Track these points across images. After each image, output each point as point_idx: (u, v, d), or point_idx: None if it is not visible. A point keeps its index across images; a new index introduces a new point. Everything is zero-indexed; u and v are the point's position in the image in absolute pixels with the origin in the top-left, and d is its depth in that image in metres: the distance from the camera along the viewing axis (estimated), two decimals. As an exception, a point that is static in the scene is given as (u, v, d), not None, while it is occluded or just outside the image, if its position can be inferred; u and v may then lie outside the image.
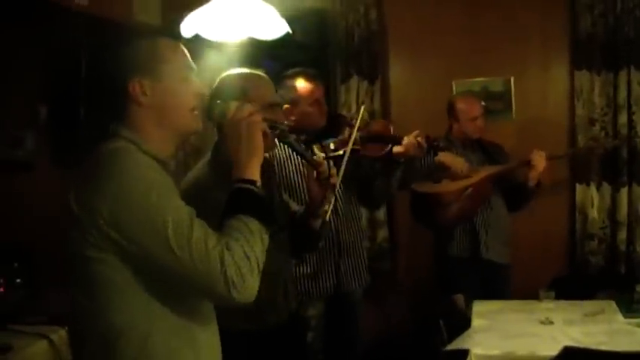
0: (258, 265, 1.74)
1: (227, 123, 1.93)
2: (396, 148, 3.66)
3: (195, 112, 1.92)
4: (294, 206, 2.96)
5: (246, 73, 2.68)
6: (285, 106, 3.54)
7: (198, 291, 1.76)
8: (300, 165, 3.55)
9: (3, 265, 3.49)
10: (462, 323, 3.53)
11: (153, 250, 1.67)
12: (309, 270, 3.62)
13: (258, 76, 2.68)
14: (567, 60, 5.03)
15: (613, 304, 3.73)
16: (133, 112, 1.85)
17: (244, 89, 2.59)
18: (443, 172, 4.23)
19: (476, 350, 3.07)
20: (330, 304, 3.73)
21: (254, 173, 1.86)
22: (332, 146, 3.63)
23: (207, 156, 2.62)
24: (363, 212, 5.07)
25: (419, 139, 3.62)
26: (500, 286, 4.34)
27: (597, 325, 3.41)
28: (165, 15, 5.16)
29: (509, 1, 5.07)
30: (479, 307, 3.77)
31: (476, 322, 3.54)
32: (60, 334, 3.25)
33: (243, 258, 1.70)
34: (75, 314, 1.80)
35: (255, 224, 1.77)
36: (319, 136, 3.65)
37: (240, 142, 1.88)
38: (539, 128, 5.03)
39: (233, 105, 1.95)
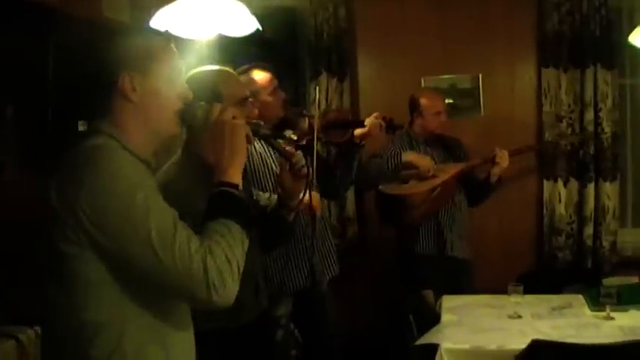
0: (239, 269, 1.73)
1: (210, 126, 1.90)
2: (358, 131, 3.73)
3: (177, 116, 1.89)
4: (264, 201, 2.96)
5: (215, 70, 2.67)
6: None
7: (178, 293, 1.73)
8: (271, 157, 3.57)
9: (-30, 265, 3.46)
10: (431, 318, 3.56)
11: (134, 250, 1.65)
12: (282, 263, 3.66)
13: (227, 72, 2.68)
14: (535, 57, 5.09)
15: (580, 297, 3.77)
16: (119, 108, 1.81)
17: (215, 86, 2.58)
18: (410, 172, 4.25)
19: (445, 345, 3.09)
20: (300, 298, 3.75)
21: (236, 177, 1.85)
22: (294, 137, 3.67)
23: (176, 156, 2.60)
24: (333, 209, 5.14)
25: (380, 120, 3.74)
26: (464, 281, 4.39)
27: (565, 318, 3.46)
28: (135, 12, 5.13)
29: (478, -1, 5.11)
30: (448, 302, 3.79)
31: (445, 316, 3.56)
32: (28, 334, 3.22)
33: (225, 262, 1.69)
34: (48, 310, 1.77)
35: (236, 228, 1.76)
36: (277, 128, 3.71)
37: (224, 146, 1.86)
38: (507, 125, 5.08)
39: (216, 108, 1.93)
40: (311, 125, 3.67)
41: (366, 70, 5.25)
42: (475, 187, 4.45)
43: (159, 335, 1.79)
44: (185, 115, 1.91)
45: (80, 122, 4.37)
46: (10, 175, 4.23)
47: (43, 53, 4.23)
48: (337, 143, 3.83)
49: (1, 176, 4.15)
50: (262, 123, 2.50)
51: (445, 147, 4.48)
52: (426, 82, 5.11)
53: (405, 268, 4.47)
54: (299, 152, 2.62)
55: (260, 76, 3.68)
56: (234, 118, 1.91)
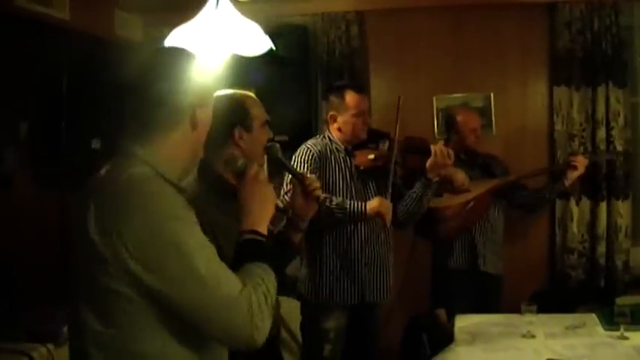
0: (272, 309, 1.77)
1: (246, 182, 2.07)
2: (428, 161, 3.72)
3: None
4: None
5: (244, 93, 2.68)
6: (331, 113, 3.83)
7: (221, 333, 1.72)
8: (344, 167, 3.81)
9: (-17, 281, 3.47)
10: (444, 337, 3.54)
11: (182, 290, 1.64)
12: (334, 277, 3.69)
13: (253, 96, 2.70)
14: (546, 76, 5.10)
15: (594, 317, 3.75)
16: (178, 135, 1.84)
17: (246, 107, 2.60)
18: (443, 185, 4.25)
19: (459, 364, 3.09)
20: (352, 316, 3.78)
21: (265, 229, 1.96)
22: (372, 156, 3.74)
23: (192, 177, 2.60)
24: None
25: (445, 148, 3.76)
26: (493, 297, 4.47)
27: (579, 338, 3.43)
28: (146, 31, 5.17)
29: (489, 18, 5.12)
30: (461, 322, 3.77)
31: (458, 336, 3.54)
32: (40, 352, 3.23)
33: (264, 302, 1.72)
34: (83, 337, 1.72)
35: (269, 271, 1.82)
36: (355, 148, 3.85)
37: (259, 203, 2.00)
38: (519, 143, 5.08)
39: (253, 167, 2.12)
40: (390, 147, 3.76)
41: (378, 88, 5.24)
42: (535, 195, 4.60)
43: None
44: (230, 162, 2.22)
45: (94, 140, 4.42)
46: (22, 190, 4.25)
47: (57, 70, 4.26)
48: (414, 170, 3.86)
49: (10, 190, 4.18)
50: (278, 145, 2.53)
51: (482, 163, 4.54)
52: (438, 100, 5.13)
53: (437, 282, 4.54)
54: (312, 175, 2.64)
55: (350, 96, 3.81)
56: (260, 175, 2.08)
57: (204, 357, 1.80)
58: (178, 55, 1.90)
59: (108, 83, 1.99)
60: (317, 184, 2.52)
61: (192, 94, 1.83)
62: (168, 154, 1.82)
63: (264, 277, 1.77)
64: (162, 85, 1.79)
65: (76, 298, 1.73)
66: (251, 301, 1.67)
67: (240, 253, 1.85)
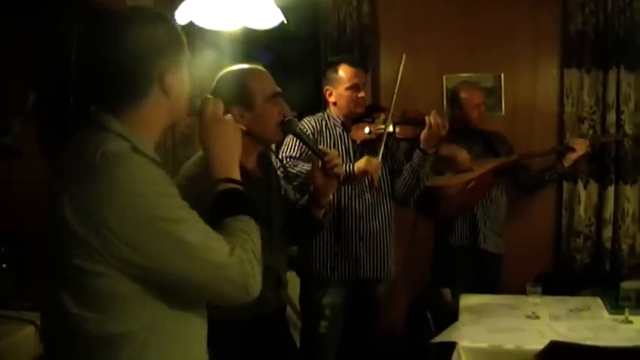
0: (260, 263, 1.74)
1: (205, 120, 1.89)
2: (423, 133, 3.70)
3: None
4: (292, 195, 2.96)
5: (245, 68, 2.67)
6: (326, 87, 3.85)
7: (217, 297, 1.72)
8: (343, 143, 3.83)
9: (-11, 250, 3.49)
10: (449, 316, 3.55)
11: (174, 265, 1.61)
12: (327, 252, 3.69)
13: (257, 69, 2.68)
14: (557, 58, 5.05)
15: (598, 300, 3.76)
16: (150, 102, 1.73)
17: (245, 84, 2.58)
18: (446, 164, 4.25)
19: (463, 343, 3.09)
20: (349, 293, 3.77)
21: (237, 171, 1.86)
22: (367, 130, 3.74)
23: (202, 152, 2.59)
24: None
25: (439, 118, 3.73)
26: (493, 275, 4.49)
27: (583, 320, 3.45)
28: (158, 2, 5.14)
29: (501, -3, 5.08)
30: (466, 301, 3.79)
31: (463, 315, 3.56)
32: (45, 320, 3.25)
33: (254, 258, 1.70)
34: (57, 319, 1.65)
35: (253, 223, 1.77)
36: (354, 122, 3.86)
37: (221, 143, 1.87)
38: (528, 124, 5.06)
39: (210, 102, 1.91)
40: (386, 119, 3.75)
41: (388, 66, 5.22)
42: (536, 177, 4.61)
43: (181, 343, 1.74)
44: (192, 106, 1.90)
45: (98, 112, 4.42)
46: (29, 160, 4.26)
47: (65, 41, 4.25)
48: (408, 139, 3.88)
49: (17, 161, 4.19)
50: (297, 120, 2.51)
51: (486, 141, 4.56)
52: (448, 79, 5.10)
53: (438, 260, 4.56)
54: (333, 151, 2.62)
55: (343, 68, 3.83)
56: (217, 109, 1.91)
57: (189, 325, 1.76)
58: (137, 17, 1.76)
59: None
60: (337, 161, 2.50)
61: (156, 58, 1.71)
62: (143, 124, 1.72)
63: (250, 232, 1.73)
64: (121, 51, 1.68)
65: (51, 278, 1.66)
66: (242, 260, 1.65)
67: (218, 206, 1.78)
